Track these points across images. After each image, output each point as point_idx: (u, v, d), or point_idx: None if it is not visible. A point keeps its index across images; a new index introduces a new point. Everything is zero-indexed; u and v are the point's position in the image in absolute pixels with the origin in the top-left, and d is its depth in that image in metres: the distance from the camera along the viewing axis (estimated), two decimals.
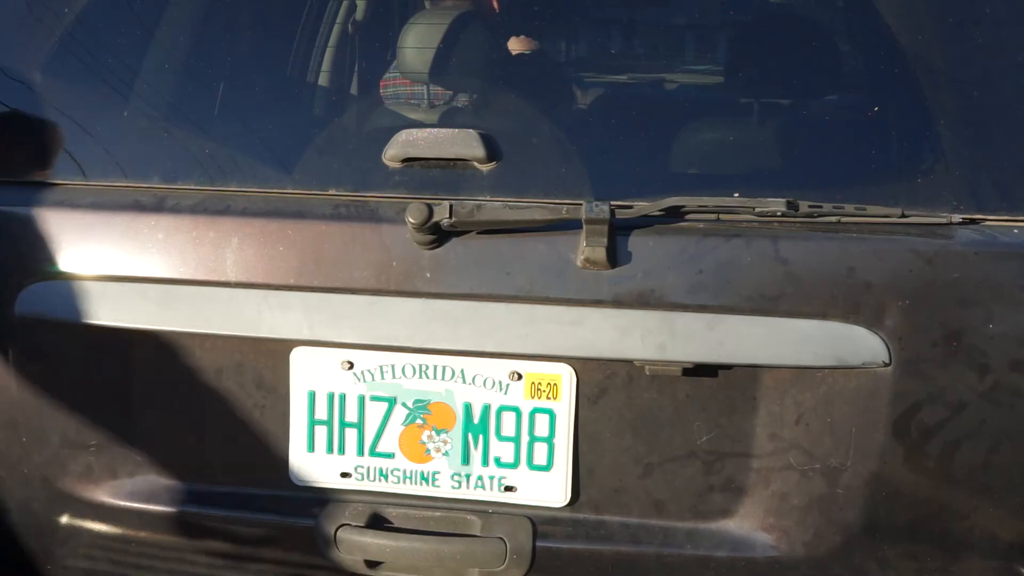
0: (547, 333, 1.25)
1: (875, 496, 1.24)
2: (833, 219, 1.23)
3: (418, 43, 1.82)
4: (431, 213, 1.23)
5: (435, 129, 1.36)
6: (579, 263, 1.24)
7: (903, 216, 1.22)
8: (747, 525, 1.31)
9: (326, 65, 2.12)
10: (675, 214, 1.24)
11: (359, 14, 2.17)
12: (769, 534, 1.30)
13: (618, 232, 1.24)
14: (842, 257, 1.21)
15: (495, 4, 2.01)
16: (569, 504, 1.35)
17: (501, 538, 1.33)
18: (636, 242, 1.24)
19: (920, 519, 1.25)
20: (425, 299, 1.27)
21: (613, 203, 1.22)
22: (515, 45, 2.01)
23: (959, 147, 1.28)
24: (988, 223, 1.24)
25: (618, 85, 1.98)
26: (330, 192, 1.36)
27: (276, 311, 1.31)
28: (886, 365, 1.20)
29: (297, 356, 1.36)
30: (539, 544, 1.33)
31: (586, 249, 1.22)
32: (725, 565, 1.30)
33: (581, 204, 1.22)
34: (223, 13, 1.88)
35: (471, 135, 1.32)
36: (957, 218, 1.23)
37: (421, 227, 1.23)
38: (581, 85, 1.97)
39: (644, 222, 1.24)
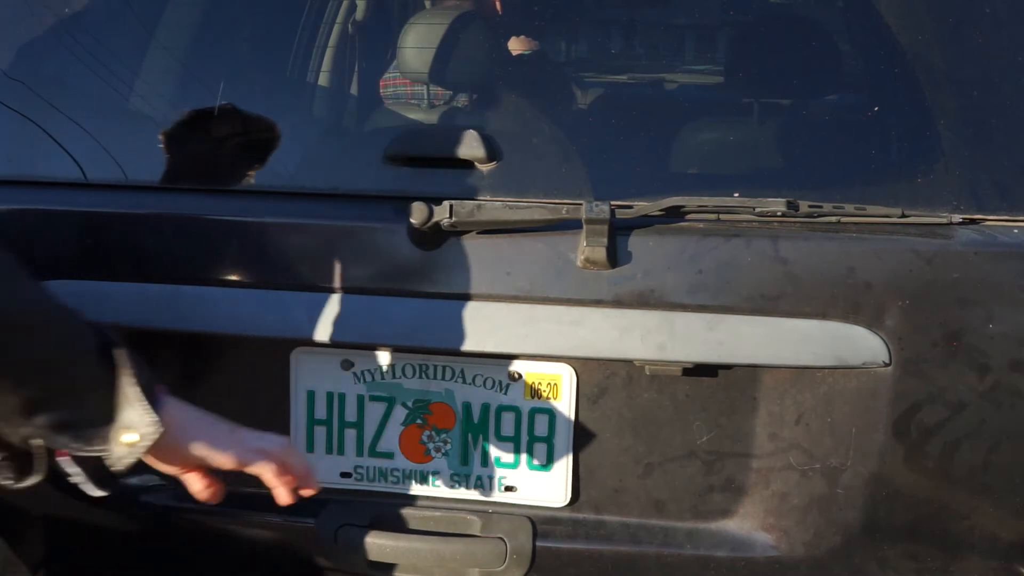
0: (547, 333, 1.25)
1: (875, 496, 1.24)
2: (833, 219, 1.23)
3: (418, 43, 1.82)
4: (431, 213, 1.23)
5: (435, 128, 1.36)
6: (579, 263, 1.24)
7: (903, 216, 1.22)
8: (747, 525, 1.31)
9: (326, 65, 2.12)
10: (675, 214, 1.24)
11: (359, 14, 2.17)
12: (769, 534, 1.30)
13: (618, 232, 1.23)
14: (842, 257, 1.21)
15: (498, 5, 2.01)
16: (569, 504, 1.35)
17: (501, 538, 1.33)
18: (636, 242, 1.24)
19: (920, 519, 1.25)
20: (425, 299, 1.27)
21: (613, 203, 1.22)
22: (515, 45, 2.01)
23: (959, 147, 1.28)
24: (988, 223, 1.24)
25: (618, 85, 1.98)
26: (330, 192, 1.36)
27: (276, 311, 1.30)
28: (886, 365, 1.20)
29: (297, 356, 1.36)
30: (539, 544, 1.33)
31: (586, 249, 1.22)
32: (725, 565, 1.30)
33: (581, 204, 1.22)
34: (222, 13, 1.88)
35: (471, 135, 1.32)
36: (957, 218, 1.23)
37: (422, 227, 1.23)
38: (581, 85, 1.97)
39: (644, 222, 1.24)
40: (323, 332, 1.29)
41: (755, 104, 1.66)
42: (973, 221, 1.24)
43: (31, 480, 1.05)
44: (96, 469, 1.09)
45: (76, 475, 1.09)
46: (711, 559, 1.30)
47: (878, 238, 1.22)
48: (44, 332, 1.01)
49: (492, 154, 1.32)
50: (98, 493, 1.11)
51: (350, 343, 1.30)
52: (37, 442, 1.00)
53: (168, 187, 1.41)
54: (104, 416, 1.02)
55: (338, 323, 1.29)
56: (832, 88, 1.66)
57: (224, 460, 1.11)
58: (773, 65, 1.62)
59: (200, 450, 1.10)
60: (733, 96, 1.78)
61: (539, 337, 1.25)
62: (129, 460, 1.03)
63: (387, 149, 1.34)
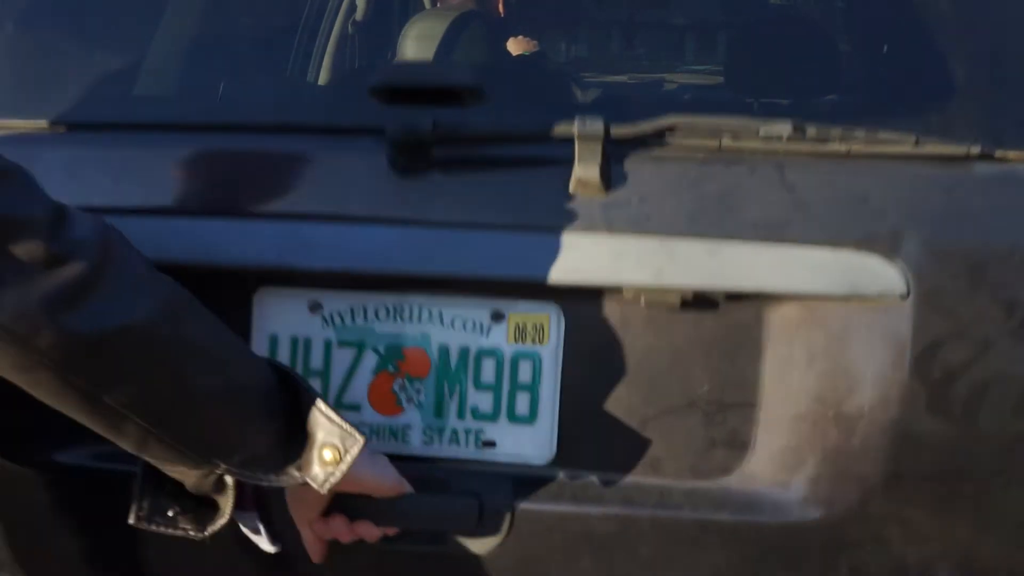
0: (535, 261, 1.14)
1: (894, 447, 1.11)
2: (843, 147, 1.15)
3: (418, 43, 1.80)
4: (412, 129, 1.15)
5: (423, 60, 1.30)
6: (571, 187, 1.15)
7: (917, 144, 1.15)
8: (753, 483, 1.16)
9: (326, 65, 2.11)
10: (674, 134, 1.16)
11: (359, 14, 2.17)
12: (777, 493, 1.15)
13: (613, 157, 1.15)
14: (853, 184, 1.13)
15: (500, 6, 2.01)
16: (554, 460, 1.20)
17: (477, 497, 1.19)
18: (632, 165, 1.15)
19: (947, 474, 1.11)
20: (402, 227, 1.18)
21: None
22: (514, 46, 2.00)
23: (976, 82, 1.21)
24: (1008, 158, 1.16)
25: (618, 85, 1.95)
26: (306, 121, 1.29)
27: (238, 241, 1.21)
28: (904, 298, 1.10)
29: (261, 298, 1.25)
30: (519, 505, 1.18)
31: (578, 168, 1.14)
32: (728, 528, 1.15)
33: (573, 121, 1.14)
34: (223, 12, 1.88)
35: (460, 65, 1.27)
36: (975, 150, 1.15)
37: (401, 142, 1.15)
38: (581, 85, 1.95)
39: (641, 142, 1.16)
40: (288, 261, 1.19)
41: (755, 104, 1.64)
42: (991, 155, 1.16)
43: (215, 526, 1.05)
44: (269, 522, 1.12)
45: (251, 525, 1.11)
46: (712, 522, 1.15)
47: (893, 165, 1.14)
48: (232, 367, 1.01)
49: (480, 86, 1.25)
50: (272, 548, 1.12)
51: (317, 270, 1.19)
52: (229, 480, 1.01)
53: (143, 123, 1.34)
54: (299, 442, 1.02)
55: (305, 252, 1.19)
56: (832, 88, 1.64)
57: (391, 485, 1.12)
58: (773, 65, 1.61)
59: (373, 474, 1.10)
60: (732, 96, 1.76)
61: (525, 268, 1.15)
62: (334, 480, 1.03)
63: (372, 80, 1.28)
